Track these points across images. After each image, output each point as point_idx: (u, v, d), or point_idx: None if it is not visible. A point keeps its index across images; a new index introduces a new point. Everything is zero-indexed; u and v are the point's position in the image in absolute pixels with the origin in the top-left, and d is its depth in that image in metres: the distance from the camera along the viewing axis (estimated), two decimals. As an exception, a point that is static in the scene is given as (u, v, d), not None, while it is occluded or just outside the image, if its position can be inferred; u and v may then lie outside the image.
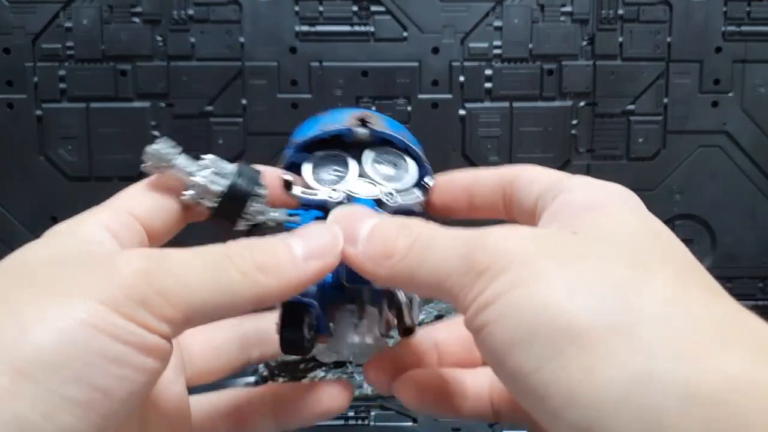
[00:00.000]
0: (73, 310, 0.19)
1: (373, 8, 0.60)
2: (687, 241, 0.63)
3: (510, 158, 0.61)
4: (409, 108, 0.61)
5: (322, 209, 0.28)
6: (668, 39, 0.60)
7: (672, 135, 0.62)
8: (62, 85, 0.60)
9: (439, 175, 0.30)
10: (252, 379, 0.54)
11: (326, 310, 0.28)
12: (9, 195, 0.61)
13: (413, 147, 0.29)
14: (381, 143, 0.30)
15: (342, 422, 0.47)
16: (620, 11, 0.60)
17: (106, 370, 0.19)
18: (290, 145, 0.31)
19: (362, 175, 0.29)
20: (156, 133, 0.60)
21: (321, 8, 0.60)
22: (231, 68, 0.60)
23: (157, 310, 0.20)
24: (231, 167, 0.27)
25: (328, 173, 0.29)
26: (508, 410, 0.28)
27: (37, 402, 0.18)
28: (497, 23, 0.60)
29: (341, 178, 0.29)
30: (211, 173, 0.26)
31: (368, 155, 0.29)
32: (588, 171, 0.62)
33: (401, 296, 0.28)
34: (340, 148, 0.30)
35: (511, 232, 0.21)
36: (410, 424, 0.47)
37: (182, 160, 0.26)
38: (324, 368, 0.51)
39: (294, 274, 0.23)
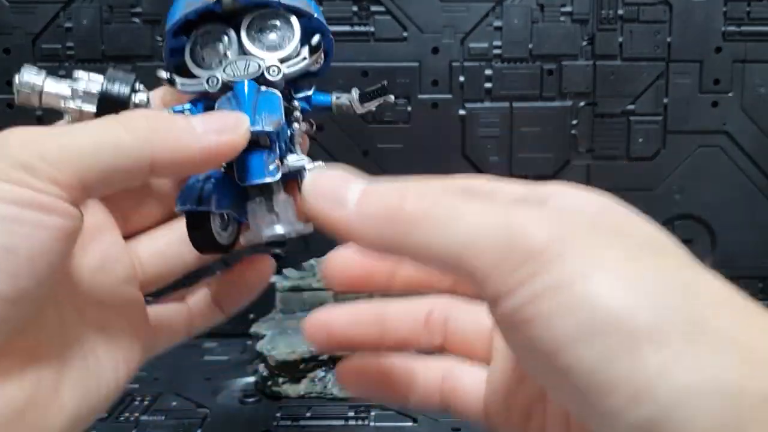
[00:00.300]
0: None
1: (373, 8, 0.60)
2: (687, 242, 0.63)
3: (510, 158, 0.61)
4: (409, 108, 0.61)
5: (208, 98, 0.27)
6: (668, 39, 0.60)
7: (672, 135, 0.62)
8: (62, 86, 0.60)
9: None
10: (252, 379, 0.54)
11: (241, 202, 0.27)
12: (9, 195, 0.61)
13: (290, 3, 0.27)
14: (258, 6, 0.27)
15: (342, 422, 0.47)
16: (620, 11, 0.60)
17: (2, 230, 0.20)
18: (165, 37, 0.28)
19: (244, 50, 0.27)
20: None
21: (321, 8, 0.60)
22: (231, 68, 0.60)
23: (43, 173, 0.21)
24: (100, 78, 0.26)
25: (210, 53, 0.27)
26: (460, 405, 0.28)
27: None
28: (497, 23, 0.60)
29: (224, 56, 0.27)
30: (82, 91, 0.25)
31: (244, 27, 0.27)
32: (588, 171, 0.62)
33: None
34: (219, 19, 0.27)
35: (563, 214, 0.20)
36: (410, 424, 0.47)
37: (52, 84, 0.25)
38: (324, 368, 0.51)
39: (190, 140, 0.23)
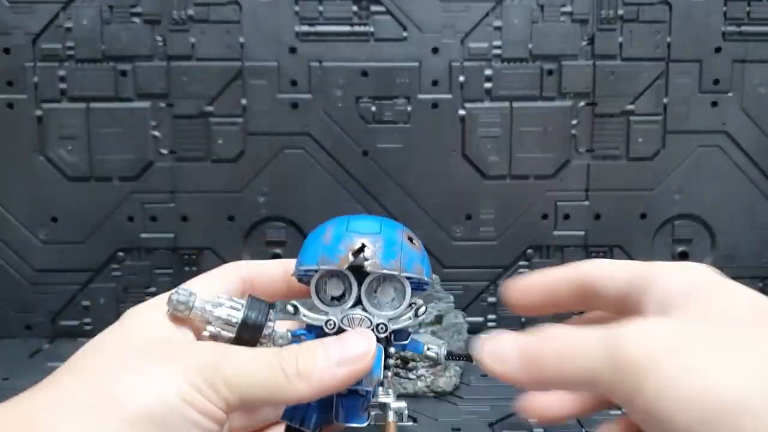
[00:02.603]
0: (168, 383, 0.26)
1: (373, 8, 0.60)
2: (686, 241, 0.63)
3: (510, 158, 0.61)
4: (409, 108, 0.61)
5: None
6: (668, 39, 0.60)
7: (672, 135, 0.62)
8: (62, 86, 0.60)
9: (518, 280, 0.32)
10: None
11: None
12: (9, 195, 0.61)
13: (406, 276, 0.31)
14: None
15: (342, 422, 0.47)
16: (620, 11, 0.60)
17: (186, 429, 0.26)
18: (298, 264, 0.32)
19: (361, 300, 0.31)
20: (156, 133, 0.60)
21: (321, 8, 0.60)
22: (231, 68, 0.60)
23: (222, 393, 0.26)
24: (242, 302, 0.30)
25: (332, 288, 0.31)
26: None
27: None
28: (497, 23, 0.60)
29: (343, 298, 0.31)
30: (223, 320, 0.30)
31: (364, 286, 0.31)
32: (587, 171, 0.62)
33: (390, 415, 0.31)
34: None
35: (651, 328, 0.24)
36: (410, 423, 0.47)
37: (200, 304, 0.30)
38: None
39: (325, 379, 0.28)
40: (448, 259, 0.63)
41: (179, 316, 0.30)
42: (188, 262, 0.62)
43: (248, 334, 0.30)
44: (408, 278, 0.31)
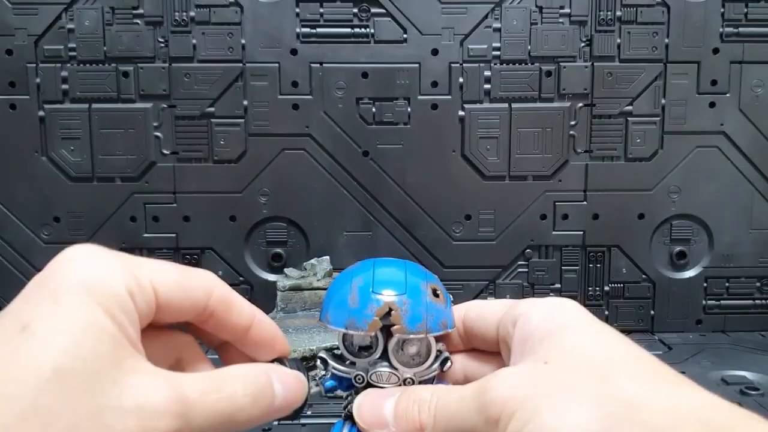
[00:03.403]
0: None
1: (373, 10, 0.60)
2: (684, 241, 0.64)
3: (509, 159, 0.62)
4: (409, 109, 0.61)
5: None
6: (666, 40, 0.61)
7: (669, 136, 0.62)
8: (64, 86, 0.60)
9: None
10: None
11: None
12: (11, 195, 0.61)
13: (434, 335, 0.31)
14: None
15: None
16: (618, 13, 0.61)
17: None
18: (324, 319, 0.32)
19: (387, 353, 0.31)
20: (158, 134, 0.61)
21: (321, 10, 0.60)
22: (232, 69, 0.60)
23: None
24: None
25: (359, 343, 0.32)
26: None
27: None
28: (496, 25, 0.61)
29: (370, 349, 0.31)
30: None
31: (392, 343, 0.31)
32: (586, 171, 0.62)
33: None
34: None
35: (505, 381, 0.26)
36: None
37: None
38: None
39: (270, 412, 0.27)
40: (448, 258, 0.63)
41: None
42: (190, 262, 0.62)
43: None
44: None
